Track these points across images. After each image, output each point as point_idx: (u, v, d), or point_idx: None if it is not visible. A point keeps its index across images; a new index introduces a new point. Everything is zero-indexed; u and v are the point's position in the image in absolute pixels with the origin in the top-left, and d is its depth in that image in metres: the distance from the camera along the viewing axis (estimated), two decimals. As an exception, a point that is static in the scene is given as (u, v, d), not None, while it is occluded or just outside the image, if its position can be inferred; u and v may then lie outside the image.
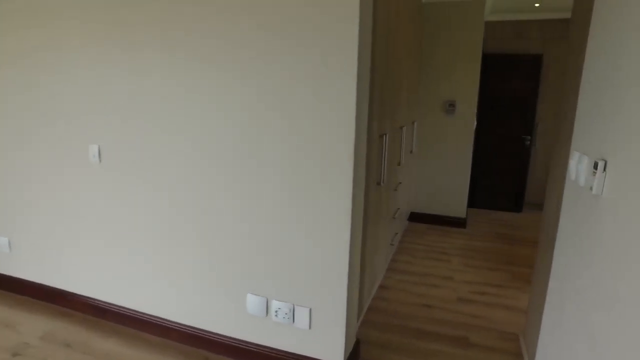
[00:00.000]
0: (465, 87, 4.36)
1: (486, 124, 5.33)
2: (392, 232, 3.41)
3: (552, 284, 1.88)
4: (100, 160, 2.30)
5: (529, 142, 5.20)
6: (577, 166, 1.62)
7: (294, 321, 2.03)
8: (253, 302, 2.10)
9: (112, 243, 2.39)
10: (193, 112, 2.03)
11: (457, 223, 4.67)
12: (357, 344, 2.22)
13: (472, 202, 5.57)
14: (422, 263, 3.69)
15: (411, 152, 4.08)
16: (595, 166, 1.37)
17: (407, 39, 3.17)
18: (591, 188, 1.39)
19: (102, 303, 2.53)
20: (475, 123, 4.56)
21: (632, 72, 1.18)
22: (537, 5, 4.74)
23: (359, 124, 1.80)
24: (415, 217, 4.81)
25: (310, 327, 2.01)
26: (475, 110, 4.40)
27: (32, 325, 2.53)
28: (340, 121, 1.75)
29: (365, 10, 1.73)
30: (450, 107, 4.40)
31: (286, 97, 1.83)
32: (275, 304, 2.06)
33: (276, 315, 2.06)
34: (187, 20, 1.95)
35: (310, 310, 1.98)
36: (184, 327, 2.31)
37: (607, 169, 1.33)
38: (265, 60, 1.83)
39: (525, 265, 3.68)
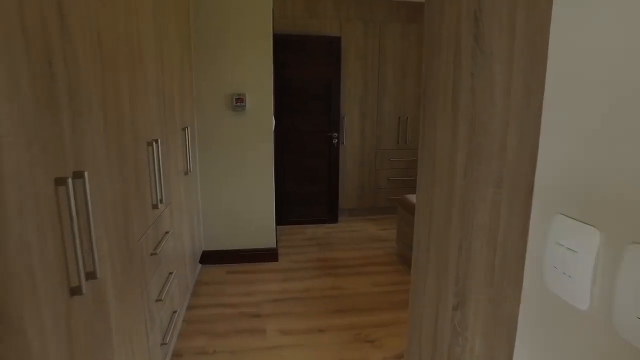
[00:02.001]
0: (256, 76, 3.18)
1: (286, 121, 4.32)
2: (162, 327, 1.97)
3: None
4: None
5: (336, 140, 4.42)
6: (594, 275, 0.50)
7: None
8: None
9: None
10: None
11: (266, 256, 3.52)
12: None
13: (281, 218, 4.52)
14: (224, 346, 2.36)
15: (187, 173, 2.68)
16: None
17: (152, 22, 1.75)
18: None
19: None
20: (274, 121, 3.45)
21: None
22: (328, -25, 3.90)
23: None
24: (211, 258, 3.45)
25: None
26: (271, 104, 3.28)
27: None
28: None
29: None
30: (238, 102, 3.16)
31: None
32: None
33: None
34: None
35: None
36: None
37: None
38: None
39: (362, 310, 2.74)
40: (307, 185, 4.49)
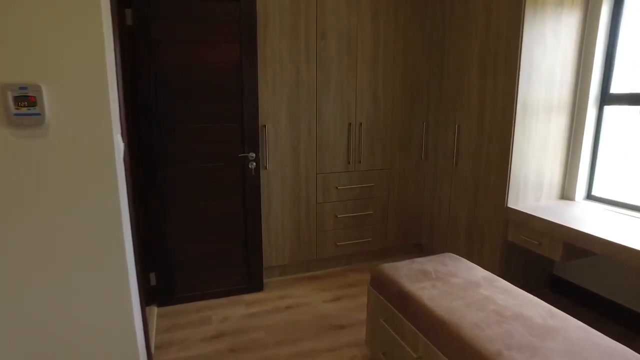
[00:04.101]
0: (71, 51, 1.41)
1: (166, 139, 2.57)
2: None
3: None
4: None
5: (254, 164, 2.76)
6: None
7: None
8: None
9: None
10: None
11: (127, 410, 1.76)
12: None
13: (169, 295, 2.77)
14: None
15: None
16: None
17: None
18: None
19: None
20: (122, 143, 1.71)
21: None
22: None
23: None
24: None
25: None
26: (110, 108, 1.52)
27: None
28: None
29: None
30: (22, 106, 1.37)
31: None
32: None
33: None
34: None
35: None
36: None
37: None
38: None
39: None
40: (210, 239, 2.78)
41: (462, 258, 2.16)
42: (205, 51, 2.54)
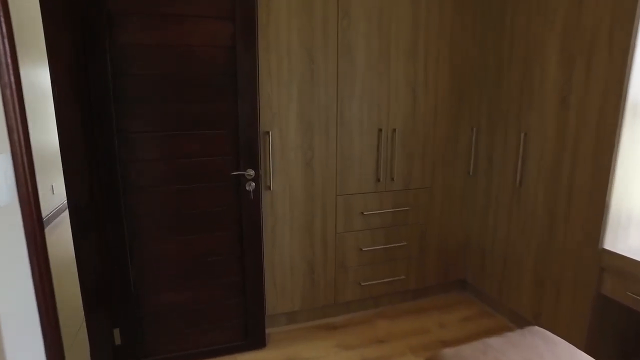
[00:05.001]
0: None
1: (124, 153, 1.89)
2: None
3: None
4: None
5: (254, 184, 2.06)
6: None
7: None
8: None
9: None
10: None
11: None
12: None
13: (134, 357, 2.09)
14: None
15: None
16: None
17: None
18: None
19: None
20: (9, 167, 1.04)
21: None
22: None
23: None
24: None
25: None
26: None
27: None
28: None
29: None
30: None
31: None
32: None
33: None
34: None
35: None
36: None
37: None
38: None
39: None
40: (194, 283, 2.09)
41: (556, 337, 1.43)
42: (184, 29, 1.84)
